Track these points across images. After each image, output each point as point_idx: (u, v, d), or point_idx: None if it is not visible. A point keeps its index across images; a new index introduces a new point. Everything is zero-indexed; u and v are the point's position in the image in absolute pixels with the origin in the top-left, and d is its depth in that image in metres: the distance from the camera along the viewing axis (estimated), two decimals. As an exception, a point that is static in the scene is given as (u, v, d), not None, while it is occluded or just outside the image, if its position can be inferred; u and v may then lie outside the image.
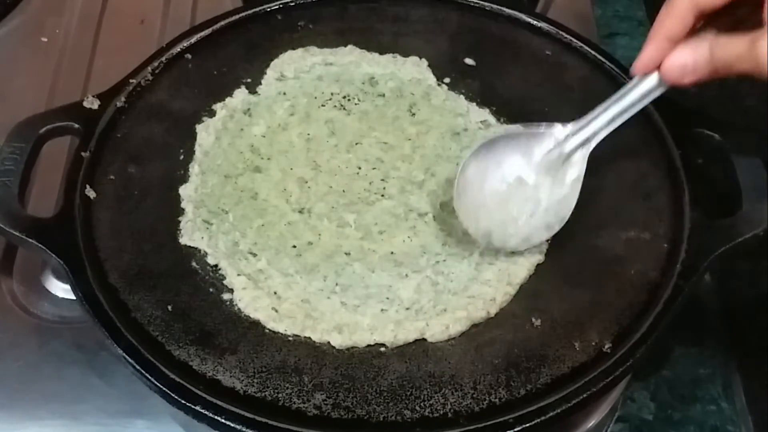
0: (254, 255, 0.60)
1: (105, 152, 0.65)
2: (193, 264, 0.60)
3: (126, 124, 0.67)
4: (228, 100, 0.70)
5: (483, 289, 0.58)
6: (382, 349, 0.55)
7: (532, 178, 0.58)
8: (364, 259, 0.59)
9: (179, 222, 0.62)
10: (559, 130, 0.58)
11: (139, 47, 0.79)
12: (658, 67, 0.55)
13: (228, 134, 0.67)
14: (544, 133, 0.58)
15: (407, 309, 0.57)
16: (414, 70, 0.72)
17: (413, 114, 0.69)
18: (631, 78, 0.58)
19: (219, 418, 0.51)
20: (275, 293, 0.58)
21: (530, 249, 0.60)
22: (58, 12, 0.91)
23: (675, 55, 0.54)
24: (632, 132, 0.67)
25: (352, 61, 0.73)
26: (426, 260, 0.59)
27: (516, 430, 0.50)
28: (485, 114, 0.69)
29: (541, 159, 0.58)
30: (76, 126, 0.66)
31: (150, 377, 0.53)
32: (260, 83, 0.71)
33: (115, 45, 0.88)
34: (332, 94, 0.71)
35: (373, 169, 0.65)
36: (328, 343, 0.55)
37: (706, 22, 0.54)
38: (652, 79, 0.56)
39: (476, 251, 0.60)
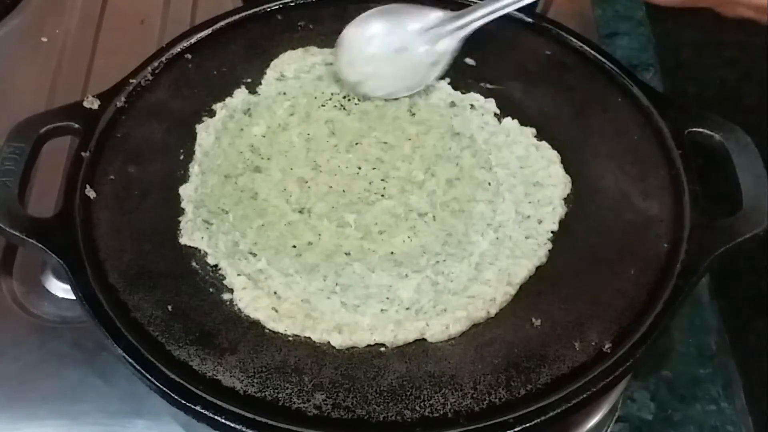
0: (254, 255, 0.60)
1: (105, 152, 0.65)
2: (193, 264, 0.60)
3: (126, 124, 0.67)
4: (228, 100, 0.70)
5: (483, 289, 0.58)
6: (382, 349, 0.55)
7: (412, 46, 0.66)
8: (364, 259, 0.59)
9: (179, 222, 0.62)
10: (441, 12, 0.66)
11: (139, 47, 0.79)
12: None
13: (228, 134, 0.67)
14: (430, 12, 0.67)
15: (407, 309, 0.57)
16: (414, 70, 0.72)
17: (413, 114, 0.69)
18: None
19: (219, 418, 0.51)
20: (275, 293, 0.58)
21: (531, 250, 0.60)
22: (58, 12, 0.91)
23: None
24: (632, 132, 0.67)
25: (352, 61, 0.73)
26: (426, 260, 0.59)
27: (516, 430, 0.50)
28: (485, 114, 0.69)
29: (423, 32, 0.66)
30: (76, 126, 0.66)
31: (150, 377, 0.53)
32: (260, 83, 0.71)
33: (115, 45, 0.88)
34: (332, 94, 0.71)
35: (373, 169, 0.65)
36: (328, 343, 0.55)
37: None
38: None
39: (476, 251, 0.60)
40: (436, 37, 0.65)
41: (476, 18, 0.65)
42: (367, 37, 0.66)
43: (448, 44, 0.65)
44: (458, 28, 0.65)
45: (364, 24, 0.66)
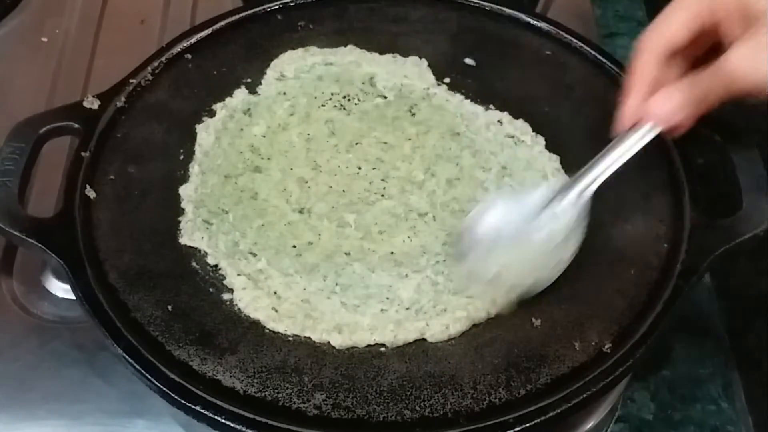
0: (254, 255, 0.60)
1: (105, 152, 0.65)
2: (193, 264, 0.60)
3: (126, 124, 0.67)
4: (228, 100, 0.70)
5: (483, 289, 0.58)
6: (382, 349, 0.55)
7: (534, 234, 0.58)
8: (364, 259, 0.59)
9: (179, 222, 0.62)
10: (552, 187, 0.59)
11: (139, 47, 0.79)
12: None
13: (228, 134, 0.68)
14: (540, 192, 0.59)
15: (407, 309, 0.57)
16: (414, 70, 0.72)
17: (413, 114, 0.69)
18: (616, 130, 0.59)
19: (219, 418, 0.51)
20: (275, 293, 0.58)
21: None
22: (58, 12, 0.91)
23: (657, 100, 0.56)
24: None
25: (352, 61, 0.73)
26: (426, 260, 0.59)
27: (516, 430, 0.50)
28: (486, 114, 0.69)
29: (539, 214, 0.58)
30: (76, 126, 0.66)
31: (150, 377, 0.53)
32: (260, 83, 0.71)
33: (115, 45, 0.88)
34: (332, 94, 0.71)
35: (373, 169, 0.65)
36: (328, 343, 0.55)
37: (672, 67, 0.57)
38: (638, 130, 0.58)
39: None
40: (556, 213, 0.58)
41: (590, 181, 0.58)
42: (488, 230, 0.58)
43: (571, 215, 0.58)
44: (577, 197, 0.58)
45: (481, 218, 0.58)
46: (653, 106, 0.56)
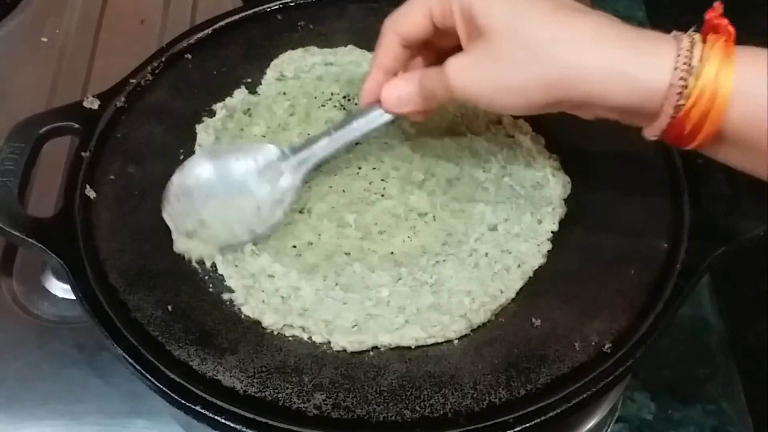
0: (254, 255, 0.60)
1: (105, 152, 0.65)
2: (193, 264, 0.60)
3: (126, 124, 0.67)
4: (228, 100, 0.70)
5: (483, 289, 0.58)
6: (382, 349, 0.55)
7: (252, 186, 0.60)
8: (364, 259, 0.59)
9: (179, 222, 0.62)
10: (273, 152, 0.61)
11: (139, 47, 0.79)
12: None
13: (228, 134, 0.67)
14: (262, 149, 0.61)
15: (407, 309, 0.57)
16: (414, 70, 0.72)
17: (413, 114, 0.69)
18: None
19: (219, 418, 0.51)
20: (275, 293, 0.58)
21: (531, 251, 0.60)
22: (58, 12, 0.91)
23: (389, 86, 0.57)
24: (632, 132, 0.67)
25: (352, 61, 0.73)
26: (426, 260, 0.59)
27: (516, 430, 0.50)
28: (486, 114, 0.69)
29: (260, 170, 0.60)
30: (76, 126, 0.66)
31: (150, 377, 0.53)
32: (260, 83, 0.71)
33: (115, 45, 0.88)
34: (332, 94, 0.71)
35: (373, 169, 0.65)
36: (328, 343, 0.55)
37: (419, 54, 0.58)
38: (375, 110, 0.59)
39: (476, 251, 0.60)
40: (277, 174, 0.60)
41: (318, 151, 0.61)
42: (200, 182, 0.60)
43: (292, 180, 0.60)
44: (300, 163, 0.60)
45: (193, 170, 0.60)
46: (383, 93, 0.57)
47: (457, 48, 0.55)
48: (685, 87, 0.47)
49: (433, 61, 0.58)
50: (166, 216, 0.60)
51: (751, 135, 0.47)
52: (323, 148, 0.61)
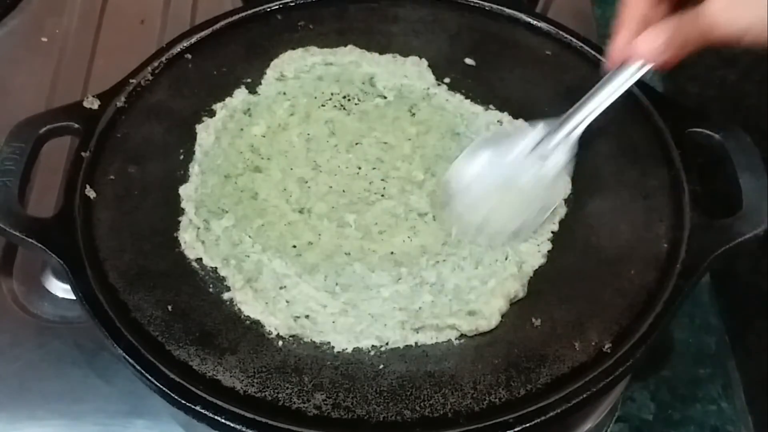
0: (254, 255, 0.60)
1: (105, 152, 0.65)
2: (193, 264, 0.60)
3: (126, 124, 0.67)
4: (228, 100, 0.70)
5: (483, 289, 0.58)
6: (382, 349, 0.55)
7: (519, 172, 0.60)
8: (364, 259, 0.59)
9: (179, 222, 0.62)
10: (540, 130, 0.61)
11: (139, 47, 0.79)
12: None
13: (228, 134, 0.68)
14: (527, 134, 0.61)
15: (407, 309, 0.57)
16: (414, 70, 0.72)
17: (413, 114, 0.69)
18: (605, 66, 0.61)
19: (219, 418, 0.51)
20: (275, 293, 0.58)
21: (531, 251, 0.60)
22: (58, 12, 0.91)
23: (645, 38, 0.57)
24: (632, 132, 0.67)
25: (352, 61, 0.73)
26: (426, 260, 0.59)
27: (516, 430, 0.50)
28: (486, 114, 0.69)
29: (526, 154, 0.61)
30: (76, 126, 0.66)
31: (150, 377, 0.53)
32: (260, 83, 0.71)
33: (115, 45, 0.88)
34: (332, 94, 0.71)
35: (373, 169, 0.65)
36: (328, 343, 0.55)
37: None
38: (626, 67, 0.59)
39: (476, 251, 0.60)
40: (543, 156, 0.60)
41: (579, 122, 0.61)
42: (474, 175, 0.60)
43: (559, 158, 0.60)
44: (564, 138, 0.60)
45: (467, 164, 0.60)
46: (641, 44, 0.57)
47: None
48: None
49: (671, 11, 0.58)
50: (450, 218, 0.60)
51: None
52: (587, 116, 0.61)
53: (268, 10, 0.77)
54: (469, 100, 0.70)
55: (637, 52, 0.58)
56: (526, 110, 0.68)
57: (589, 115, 0.60)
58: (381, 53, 0.73)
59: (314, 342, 0.55)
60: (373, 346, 0.55)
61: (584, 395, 0.52)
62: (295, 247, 0.60)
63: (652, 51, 0.57)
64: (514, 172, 0.60)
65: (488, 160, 0.60)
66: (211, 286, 0.59)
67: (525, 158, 0.60)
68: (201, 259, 0.60)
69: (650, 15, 0.58)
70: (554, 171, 0.60)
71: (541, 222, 0.59)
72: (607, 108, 0.60)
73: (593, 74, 0.71)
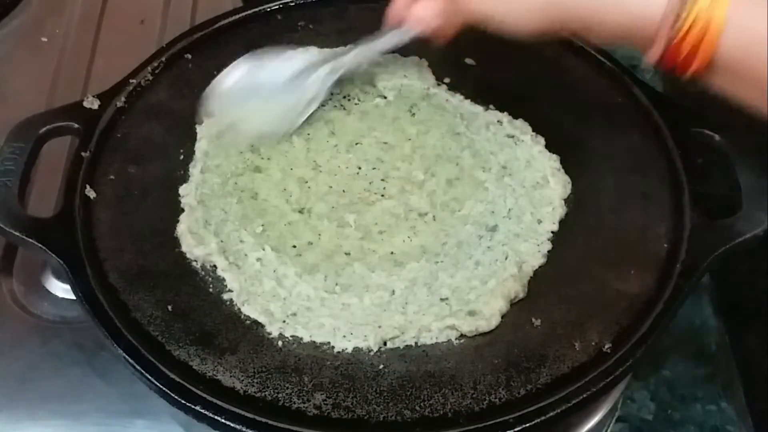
0: (254, 255, 0.60)
1: (105, 152, 0.65)
2: (193, 264, 0.60)
3: (126, 124, 0.67)
4: (228, 100, 0.70)
5: (483, 289, 0.58)
6: (382, 349, 0.55)
7: (283, 97, 0.67)
8: (364, 259, 0.59)
9: (179, 222, 0.62)
10: (315, 55, 0.68)
11: (139, 47, 0.79)
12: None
13: (228, 134, 0.67)
14: (294, 58, 0.67)
15: (407, 309, 0.57)
16: (414, 70, 0.72)
17: (413, 114, 0.69)
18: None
19: (219, 418, 0.51)
20: (275, 293, 0.58)
21: (531, 251, 0.60)
22: (58, 12, 0.91)
23: (418, 6, 0.63)
24: (632, 132, 0.67)
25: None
26: (426, 260, 0.59)
27: (516, 430, 0.50)
28: (486, 114, 0.69)
29: (295, 73, 0.67)
30: (76, 126, 0.66)
31: (150, 377, 0.53)
32: (260, 83, 0.71)
33: (115, 45, 0.88)
34: (332, 94, 0.70)
35: (373, 169, 0.65)
36: (328, 343, 0.55)
37: None
38: (399, 30, 0.65)
39: (476, 251, 0.60)
40: (308, 78, 0.67)
41: (342, 65, 0.67)
42: (239, 84, 0.66)
43: (320, 86, 0.67)
44: (326, 75, 0.67)
45: (234, 71, 0.67)
46: (413, 11, 0.63)
47: None
48: (680, 16, 0.50)
49: None
50: (203, 116, 0.66)
51: (744, 63, 0.50)
52: (351, 58, 0.67)
53: (268, 10, 0.77)
54: (469, 100, 0.70)
55: (411, 17, 0.63)
56: (526, 110, 0.68)
57: (353, 62, 0.67)
58: (381, 53, 0.73)
59: (314, 342, 0.55)
60: (373, 346, 0.55)
61: (584, 395, 0.52)
62: (295, 247, 0.60)
63: (424, 18, 0.63)
64: (277, 90, 0.66)
65: (251, 71, 0.66)
66: (211, 286, 0.58)
67: (289, 80, 0.66)
68: (201, 259, 0.60)
69: None
70: (311, 97, 0.67)
71: (282, 130, 0.66)
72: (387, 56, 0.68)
73: (593, 74, 0.71)
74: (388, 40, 0.66)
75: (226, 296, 0.58)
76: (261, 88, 0.66)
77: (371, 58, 0.68)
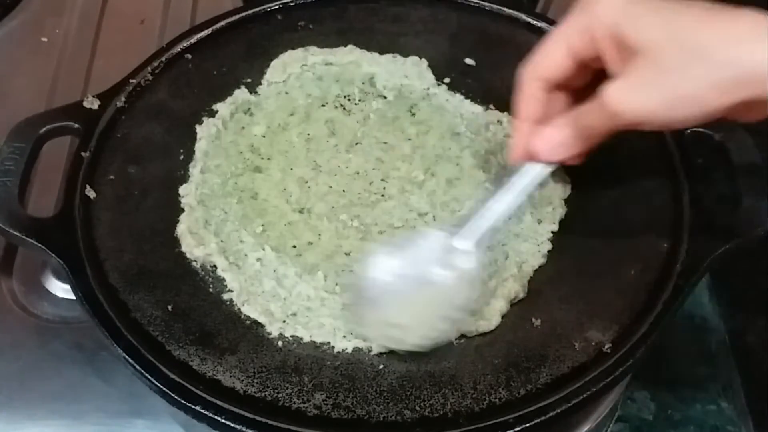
0: (254, 255, 0.60)
1: (105, 152, 0.65)
2: (193, 264, 0.60)
3: (126, 124, 0.67)
4: (228, 100, 0.70)
5: (483, 290, 0.57)
6: (382, 349, 0.55)
7: (432, 280, 0.55)
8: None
9: (179, 222, 0.62)
10: (445, 237, 0.55)
11: (139, 47, 0.79)
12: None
13: (228, 134, 0.67)
14: (435, 242, 0.55)
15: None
16: (414, 70, 0.72)
17: (413, 114, 0.69)
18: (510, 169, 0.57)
19: (219, 418, 0.51)
20: (275, 293, 0.58)
21: (531, 251, 0.60)
22: (58, 12, 0.91)
23: (542, 138, 0.54)
24: (632, 132, 0.67)
25: (352, 61, 0.73)
26: (426, 260, 0.59)
27: (516, 430, 0.50)
28: (486, 114, 0.69)
29: (435, 262, 0.55)
30: (76, 126, 0.66)
31: (150, 377, 0.53)
32: (260, 83, 0.71)
33: (115, 45, 0.88)
34: (332, 94, 0.71)
35: (373, 169, 0.65)
36: (328, 343, 0.55)
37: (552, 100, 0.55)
38: (530, 165, 0.56)
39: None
40: (450, 263, 0.54)
41: (482, 229, 0.55)
42: (384, 289, 0.55)
43: (466, 265, 0.54)
44: (471, 246, 0.55)
45: (375, 279, 0.55)
46: (539, 146, 0.54)
47: (590, 84, 0.53)
48: None
49: (568, 102, 0.56)
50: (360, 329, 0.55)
51: None
52: (493, 223, 0.55)
53: (268, 10, 0.77)
54: (469, 100, 0.70)
55: (538, 152, 0.55)
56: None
57: (495, 223, 0.55)
58: (381, 53, 0.73)
59: (314, 342, 0.55)
60: (373, 346, 0.55)
61: (584, 395, 0.52)
62: (295, 247, 0.60)
63: (553, 150, 0.54)
64: (423, 281, 0.54)
65: (397, 267, 0.55)
66: (211, 286, 0.59)
67: (432, 265, 0.54)
68: (201, 259, 0.60)
69: (546, 110, 0.55)
70: (464, 277, 0.54)
71: (454, 328, 0.55)
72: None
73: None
74: (522, 186, 0.55)
75: (226, 296, 0.58)
76: (406, 288, 0.55)
77: (506, 215, 0.56)
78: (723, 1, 0.49)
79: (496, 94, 0.70)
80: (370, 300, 0.55)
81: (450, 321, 0.55)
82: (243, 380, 0.53)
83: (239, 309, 0.57)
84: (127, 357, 0.53)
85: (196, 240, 0.60)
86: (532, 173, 0.56)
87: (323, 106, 0.70)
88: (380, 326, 0.55)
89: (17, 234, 0.58)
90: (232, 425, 0.51)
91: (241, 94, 0.70)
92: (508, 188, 0.56)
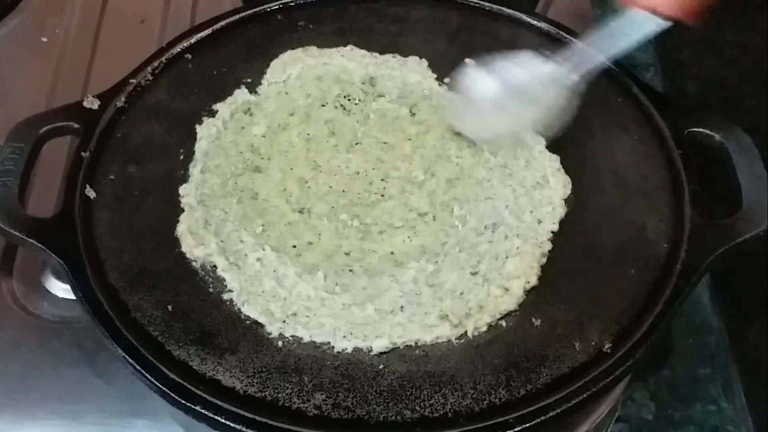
0: (254, 255, 0.60)
1: (105, 152, 0.65)
2: (193, 264, 0.60)
3: (126, 124, 0.67)
4: (228, 100, 0.70)
5: (483, 289, 0.58)
6: (382, 348, 0.55)
7: (533, 93, 0.63)
8: (363, 259, 0.59)
9: (179, 222, 0.62)
10: (555, 66, 0.63)
11: (139, 47, 0.79)
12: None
13: (228, 134, 0.68)
14: (545, 64, 0.64)
15: (407, 309, 0.57)
16: (414, 70, 0.72)
17: (413, 114, 0.69)
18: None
19: (219, 418, 0.51)
20: (275, 293, 0.58)
21: (532, 250, 0.60)
22: (58, 12, 0.91)
23: None
24: (632, 132, 0.67)
25: (352, 61, 0.73)
26: (426, 260, 0.59)
27: (516, 430, 0.50)
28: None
29: (542, 81, 0.63)
30: (76, 126, 0.66)
31: (150, 377, 0.53)
32: (260, 83, 0.71)
33: (115, 45, 0.88)
34: (332, 94, 0.71)
35: (373, 169, 0.65)
36: (328, 343, 0.55)
37: None
38: (639, 16, 0.58)
39: (476, 251, 0.60)
40: (562, 82, 0.63)
41: (588, 60, 0.62)
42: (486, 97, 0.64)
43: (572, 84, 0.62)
44: (572, 69, 0.62)
45: (476, 86, 0.64)
46: None
47: None
48: None
49: None
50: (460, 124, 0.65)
51: None
52: (595, 59, 0.62)
53: (268, 10, 0.77)
54: (469, 100, 0.70)
55: (656, 4, 0.56)
56: (526, 110, 0.68)
57: (595, 61, 0.61)
58: (381, 53, 0.73)
59: (314, 342, 0.55)
60: (373, 346, 0.55)
61: (584, 395, 0.52)
62: (295, 247, 0.60)
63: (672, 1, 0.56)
64: (534, 88, 0.62)
65: (507, 78, 0.63)
66: (211, 286, 0.59)
67: (544, 79, 0.62)
68: (201, 259, 0.60)
69: None
70: (564, 95, 0.62)
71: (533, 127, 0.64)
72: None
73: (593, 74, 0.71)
74: (630, 33, 0.59)
75: (226, 296, 0.58)
76: (520, 86, 0.63)
77: (613, 53, 0.61)
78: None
79: (496, 94, 0.70)
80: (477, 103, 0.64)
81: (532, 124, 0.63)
82: (243, 380, 0.53)
83: (239, 309, 0.57)
84: (127, 357, 0.53)
85: (196, 240, 0.60)
86: (640, 25, 0.58)
87: (323, 106, 0.70)
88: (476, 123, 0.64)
89: (17, 234, 0.58)
90: (232, 425, 0.51)
91: (241, 94, 0.70)
92: (615, 35, 0.60)
